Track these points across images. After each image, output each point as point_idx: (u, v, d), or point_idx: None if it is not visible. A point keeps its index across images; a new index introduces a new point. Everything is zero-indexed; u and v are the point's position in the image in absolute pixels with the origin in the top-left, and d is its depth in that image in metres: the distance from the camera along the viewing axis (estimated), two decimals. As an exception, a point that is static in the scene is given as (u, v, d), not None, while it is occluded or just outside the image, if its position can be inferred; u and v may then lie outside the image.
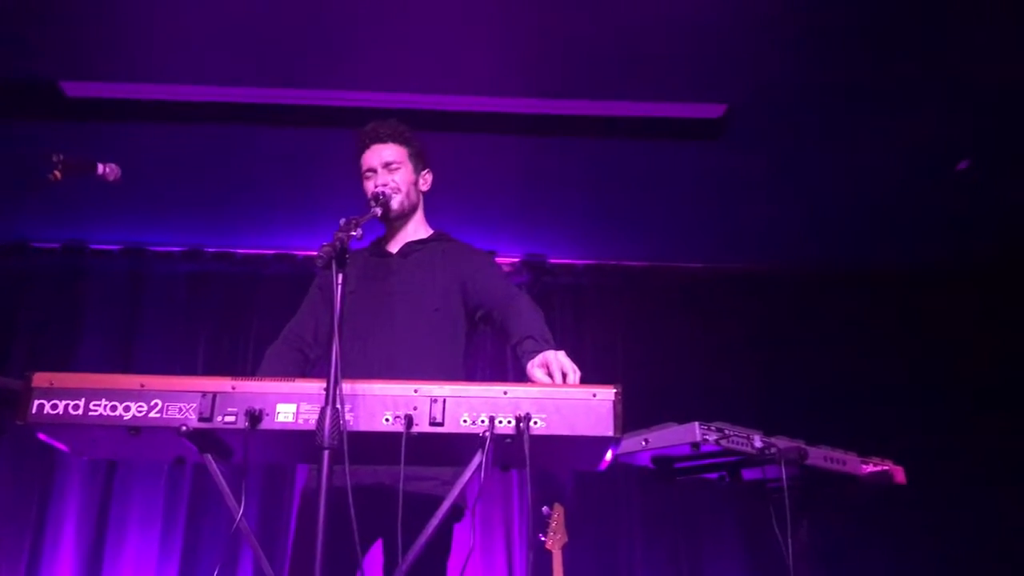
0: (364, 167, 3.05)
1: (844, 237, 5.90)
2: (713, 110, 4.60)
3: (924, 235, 5.80)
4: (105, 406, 2.16)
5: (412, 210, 3.10)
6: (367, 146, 3.05)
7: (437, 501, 2.27)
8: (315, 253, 2.20)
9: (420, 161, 3.13)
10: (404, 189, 3.03)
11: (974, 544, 5.30)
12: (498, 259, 6.20)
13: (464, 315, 2.99)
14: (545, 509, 4.32)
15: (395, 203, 3.00)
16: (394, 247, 3.10)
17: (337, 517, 2.01)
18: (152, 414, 2.16)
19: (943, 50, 4.12)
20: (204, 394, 2.17)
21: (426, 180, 3.15)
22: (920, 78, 4.31)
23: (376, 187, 2.98)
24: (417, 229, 3.13)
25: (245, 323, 5.99)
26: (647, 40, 4.13)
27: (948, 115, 4.60)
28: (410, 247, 3.08)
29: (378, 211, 2.79)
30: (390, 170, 3.02)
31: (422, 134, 4.70)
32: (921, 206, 5.47)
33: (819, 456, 3.02)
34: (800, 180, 5.26)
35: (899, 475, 3.20)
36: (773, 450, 2.87)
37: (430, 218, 3.20)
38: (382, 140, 3.05)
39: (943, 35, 4.03)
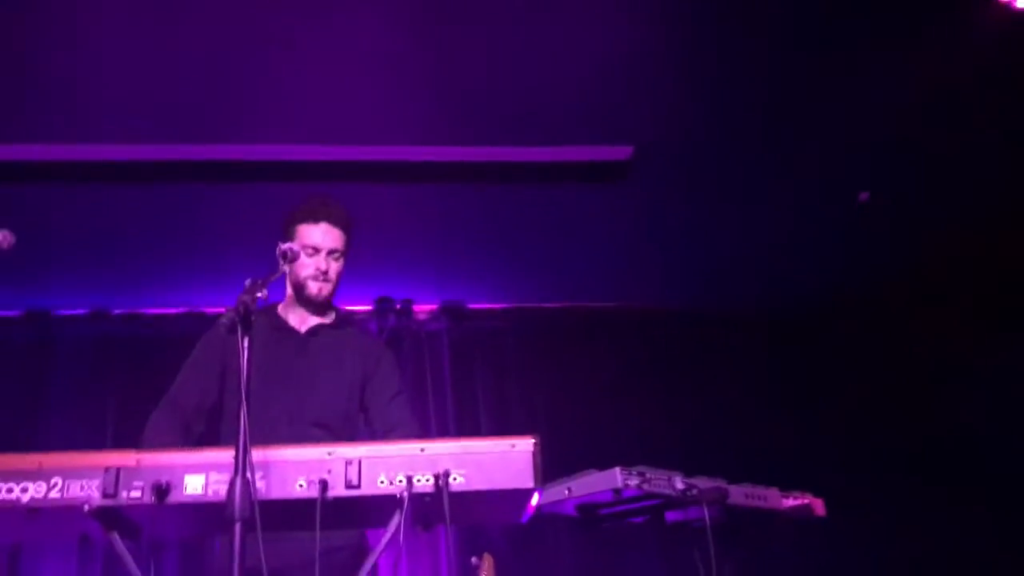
0: (307, 240, 2.96)
1: (753, 273, 6.01)
2: (620, 152, 4.66)
3: (829, 269, 5.95)
4: (0, 488, 2.05)
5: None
6: (318, 221, 2.97)
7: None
8: (222, 311, 2.13)
9: None
10: (336, 281, 3.02)
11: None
12: (416, 307, 6.18)
13: (358, 405, 3.01)
14: (474, 560, 4.25)
15: (327, 294, 3.01)
16: (301, 325, 3.05)
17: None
18: (52, 494, 2.07)
19: (837, 87, 4.25)
20: (107, 469, 2.08)
21: None
22: (817, 115, 4.44)
23: (317, 270, 2.95)
24: (327, 311, 3.10)
25: (155, 386, 5.75)
26: (554, 85, 4.18)
27: (846, 149, 4.74)
28: (319, 329, 3.04)
29: (285, 269, 2.73)
30: (333, 258, 2.99)
31: (333, 185, 4.71)
32: (825, 240, 5.62)
33: (740, 494, 3.03)
34: (706, 218, 5.35)
35: (819, 508, 3.24)
36: (695, 491, 2.88)
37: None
38: (334, 223, 2.99)
39: (837, 73, 4.17)
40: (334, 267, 3.00)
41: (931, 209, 5.26)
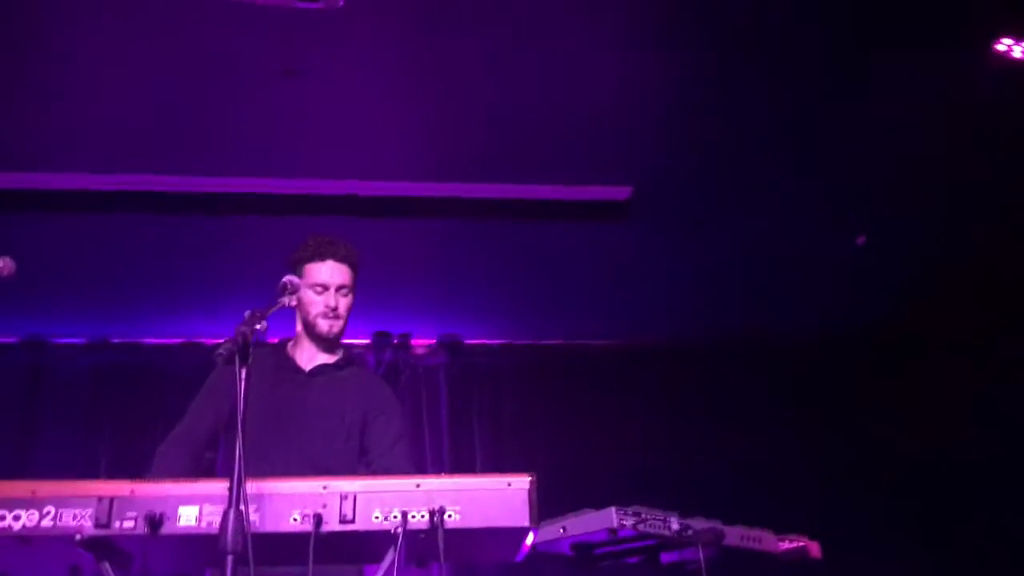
0: (315, 279, 2.96)
1: (751, 310, 6.03)
2: (619, 192, 4.68)
3: (827, 306, 5.97)
4: (-7, 515, 2.04)
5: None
6: (324, 259, 2.98)
7: None
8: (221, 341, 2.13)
9: None
10: (346, 317, 3.01)
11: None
12: (414, 340, 6.18)
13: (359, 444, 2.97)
14: (466, 598, 4.23)
15: (338, 331, 3.00)
16: (306, 363, 3.03)
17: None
18: (44, 522, 2.05)
19: (836, 127, 4.29)
20: (100, 499, 2.07)
21: None
22: (816, 154, 4.48)
23: (327, 307, 2.95)
24: (335, 349, 3.08)
25: (152, 416, 5.76)
26: (555, 125, 4.22)
27: (845, 190, 4.77)
28: (323, 368, 3.03)
29: (285, 301, 2.70)
30: (342, 294, 2.99)
31: (333, 219, 4.73)
32: (823, 277, 5.64)
33: (735, 535, 3.02)
34: (705, 255, 5.38)
35: (814, 550, 3.22)
36: (690, 532, 2.86)
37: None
38: (342, 261, 2.99)
39: (836, 114, 4.21)
40: (343, 303, 2.99)
41: (930, 247, 5.29)
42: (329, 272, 2.96)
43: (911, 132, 4.32)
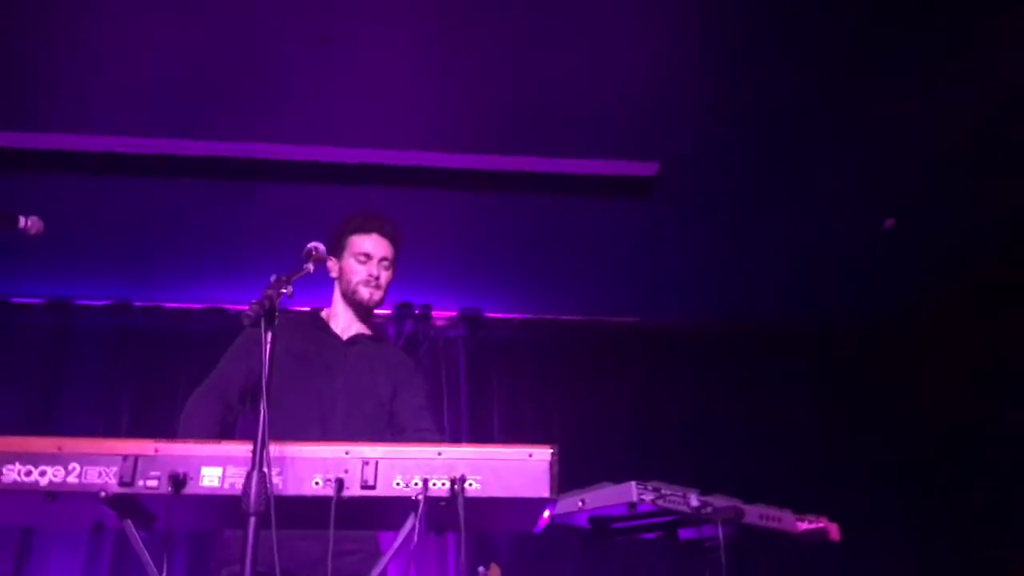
0: (359, 248, 3.12)
1: (774, 292, 5.99)
2: (646, 168, 4.65)
3: (855, 287, 5.92)
4: (19, 470, 2.06)
5: None
6: (369, 232, 3.14)
7: None
8: (245, 308, 2.13)
9: None
10: (386, 289, 3.14)
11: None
12: (434, 312, 6.19)
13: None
14: (481, 570, 4.22)
15: (378, 300, 3.13)
16: (343, 332, 3.15)
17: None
18: (70, 479, 2.06)
19: (868, 110, 4.24)
20: (125, 457, 2.08)
21: None
22: (847, 138, 4.43)
23: (369, 275, 3.08)
24: (369, 319, 3.21)
25: (172, 380, 5.79)
26: (581, 98, 4.18)
27: (873, 175, 4.72)
28: (359, 338, 3.14)
29: (310, 267, 2.72)
30: (383, 266, 3.12)
31: (357, 188, 4.72)
32: (850, 262, 5.59)
33: (755, 514, 3.01)
34: (731, 236, 5.34)
35: (834, 532, 3.21)
36: (709, 509, 2.86)
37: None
38: (386, 235, 3.15)
39: (866, 100, 4.15)
40: (384, 275, 3.13)
41: (959, 233, 5.24)
42: (373, 244, 3.11)
43: (944, 114, 4.26)
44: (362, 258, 3.10)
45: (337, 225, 3.20)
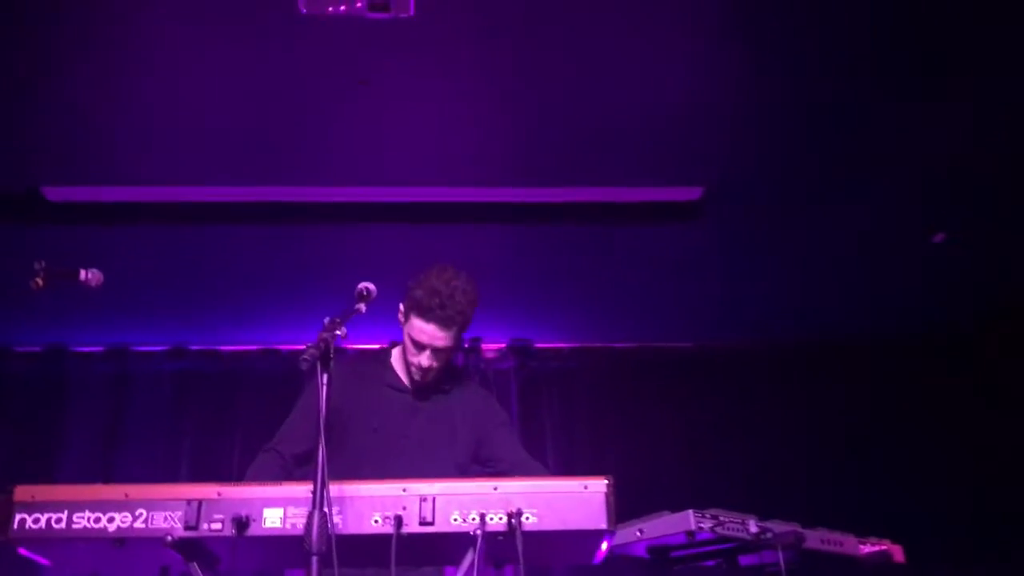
0: (416, 335, 2.90)
1: (823, 313, 5.94)
2: (690, 193, 4.65)
3: (901, 308, 5.85)
4: (89, 518, 2.13)
5: None
6: (428, 321, 2.86)
7: None
8: (301, 348, 2.17)
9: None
10: (441, 368, 2.99)
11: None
12: (484, 345, 6.21)
13: (470, 463, 3.02)
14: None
15: (428, 381, 3.00)
16: (410, 380, 3.05)
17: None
18: (137, 524, 2.13)
19: (916, 127, 4.21)
20: (190, 502, 2.14)
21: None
22: (893, 154, 4.39)
23: (419, 366, 2.94)
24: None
25: (230, 422, 5.90)
26: (625, 126, 4.19)
27: (923, 190, 4.67)
28: (428, 390, 3.05)
29: (362, 308, 2.73)
30: (438, 356, 2.94)
31: (408, 227, 4.77)
32: (897, 278, 5.53)
33: (816, 539, 2.96)
34: (778, 256, 5.30)
35: (898, 554, 3.14)
36: (769, 535, 2.82)
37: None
38: (447, 327, 2.87)
39: (910, 116, 4.12)
40: (439, 360, 2.95)
41: (1008, 249, 5.15)
42: (430, 336, 2.88)
43: (989, 134, 4.22)
44: (417, 346, 2.92)
45: (411, 285, 2.95)
